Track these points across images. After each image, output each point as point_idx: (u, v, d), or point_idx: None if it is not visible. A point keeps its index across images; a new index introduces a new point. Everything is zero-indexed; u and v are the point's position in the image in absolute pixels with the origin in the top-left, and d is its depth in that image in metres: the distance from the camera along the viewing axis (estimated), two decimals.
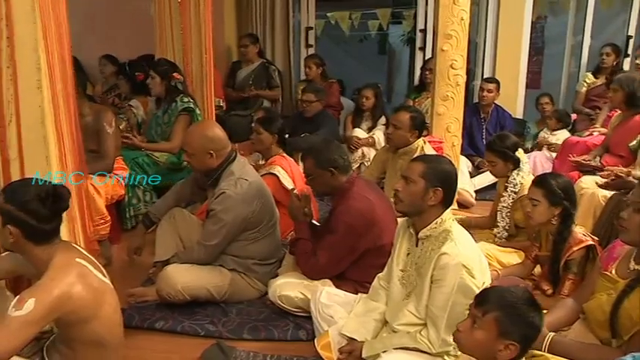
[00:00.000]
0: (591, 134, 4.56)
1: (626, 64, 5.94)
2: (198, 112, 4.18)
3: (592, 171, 3.83)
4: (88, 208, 2.71)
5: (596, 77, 5.58)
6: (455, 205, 3.94)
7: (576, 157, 4.07)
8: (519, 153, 3.28)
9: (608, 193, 3.42)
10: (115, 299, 2.02)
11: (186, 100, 4.15)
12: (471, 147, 5.19)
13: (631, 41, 6.07)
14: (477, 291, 1.88)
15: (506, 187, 3.27)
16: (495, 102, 5.32)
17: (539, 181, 2.65)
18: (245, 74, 5.75)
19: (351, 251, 2.73)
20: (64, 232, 2.17)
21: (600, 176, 3.61)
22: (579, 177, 3.75)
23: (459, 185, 2.83)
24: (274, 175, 3.59)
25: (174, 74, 4.15)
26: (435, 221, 2.16)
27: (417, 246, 2.23)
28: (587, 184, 3.57)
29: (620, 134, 3.88)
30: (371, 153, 4.95)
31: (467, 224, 3.06)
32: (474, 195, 4.56)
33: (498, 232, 3.31)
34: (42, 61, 2.19)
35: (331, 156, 2.75)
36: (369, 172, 4.09)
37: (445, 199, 2.17)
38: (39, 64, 2.19)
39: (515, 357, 1.63)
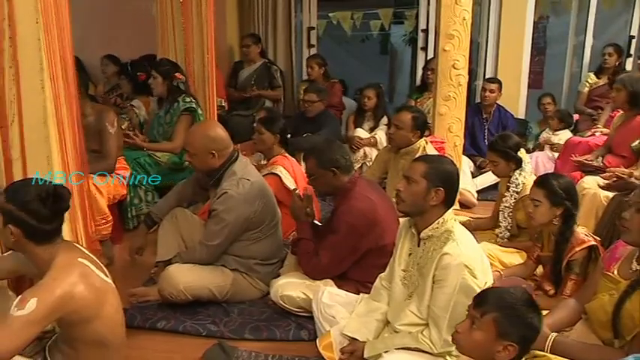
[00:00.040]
0: (593, 134, 4.55)
1: (629, 64, 5.92)
2: (200, 112, 4.19)
3: (594, 171, 3.83)
4: (90, 208, 2.72)
5: (598, 77, 5.57)
6: (457, 206, 3.94)
7: (578, 157, 4.07)
8: (521, 153, 3.28)
9: (610, 194, 3.42)
10: (117, 299, 2.02)
11: (188, 100, 4.15)
12: (473, 147, 5.18)
13: (633, 41, 6.06)
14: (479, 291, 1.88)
15: (508, 187, 3.26)
16: (497, 102, 5.31)
17: (541, 182, 2.65)
18: (247, 74, 5.75)
19: (353, 251, 2.73)
20: (66, 232, 2.18)
21: (602, 178, 3.60)
22: (581, 177, 3.75)
23: (461, 185, 2.82)
24: (276, 175, 3.59)
25: (177, 74, 4.15)
26: (436, 221, 2.17)
27: (418, 246, 2.23)
28: (589, 184, 3.56)
29: (623, 134, 3.88)
30: (373, 153, 4.95)
31: (468, 227, 3.05)
32: (475, 195, 4.56)
33: (500, 233, 3.30)
34: (44, 61, 2.20)
35: (333, 156, 2.75)
36: (371, 172, 4.09)
37: (447, 199, 2.17)
38: (41, 64, 2.19)
39: (514, 358, 1.63)
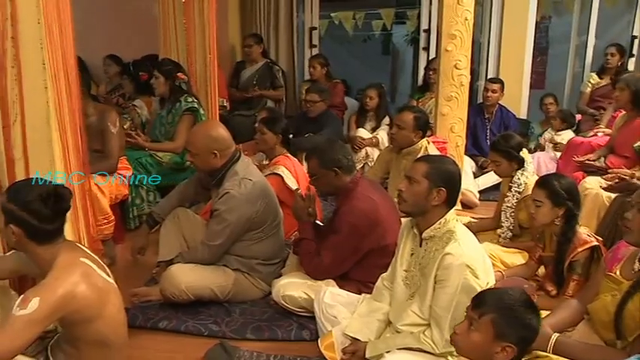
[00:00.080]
0: (596, 135, 4.54)
1: (631, 65, 5.91)
2: (202, 112, 4.19)
3: (596, 171, 3.82)
4: (91, 207, 2.72)
5: (600, 77, 5.57)
6: (459, 206, 3.93)
7: (581, 157, 4.07)
8: (524, 153, 3.28)
9: (613, 194, 3.41)
10: (118, 299, 2.03)
11: (190, 100, 4.15)
12: (474, 147, 5.18)
13: (636, 41, 6.03)
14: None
15: (510, 188, 3.26)
16: (499, 102, 5.31)
17: (543, 182, 2.64)
18: (249, 74, 5.75)
19: (355, 251, 2.73)
20: (68, 232, 2.18)
21: (604, 179, 3.59)
22: (583, 177, 3.74)
23: (463, 185, 2.82)
24: (278, 175, 3.60)
25: (179, 74, 4.15)
26: (438, 221, 2.16)
27: (420, 246, 2.22)
28: (592, 184, 3.56)
29: (625, 135, 3.87)
30: (375, 153, 4.95)
31: (470, 229, 3.05)
32: (477, 195, 4.55)
33: (502, 233, 3.30)
34: (47, 61, 2.20)
35: (335, 156, 2.75)
36: (373, 172, 4.09)
37: (449, 200, 2.16)
38: (44, 64, 2.19)
39: (512, 359, 1.62)
